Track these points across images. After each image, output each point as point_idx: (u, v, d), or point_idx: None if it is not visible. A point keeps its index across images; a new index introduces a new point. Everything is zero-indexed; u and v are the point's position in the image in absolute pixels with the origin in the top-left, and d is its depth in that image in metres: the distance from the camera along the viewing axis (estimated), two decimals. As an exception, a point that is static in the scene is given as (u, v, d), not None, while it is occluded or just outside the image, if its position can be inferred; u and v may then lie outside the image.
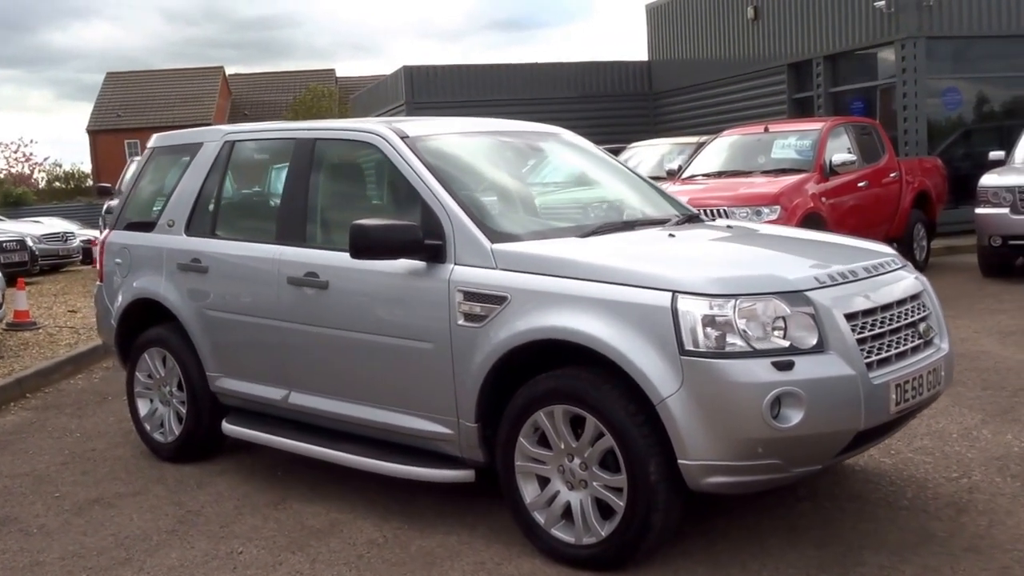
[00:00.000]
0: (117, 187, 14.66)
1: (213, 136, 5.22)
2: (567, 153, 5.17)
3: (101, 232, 13.99)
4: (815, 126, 10.73)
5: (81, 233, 20.20)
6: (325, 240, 4.56)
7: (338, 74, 57.42)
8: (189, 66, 56.24)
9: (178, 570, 3.85)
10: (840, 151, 10.29)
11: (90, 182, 49.23)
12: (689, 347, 3.26)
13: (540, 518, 3.71)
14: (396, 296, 4.10)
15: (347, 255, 4.18)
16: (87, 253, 19.04)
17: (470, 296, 3.82)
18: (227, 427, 4.91)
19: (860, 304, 3.49)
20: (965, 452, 4.74)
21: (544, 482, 3.72)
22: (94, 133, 51.91)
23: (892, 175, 11.36)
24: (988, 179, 10.47)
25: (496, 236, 3.91)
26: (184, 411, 5.11)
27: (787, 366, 3.22)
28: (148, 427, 5.33)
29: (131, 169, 15.05)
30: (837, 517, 4.01)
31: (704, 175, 10.69)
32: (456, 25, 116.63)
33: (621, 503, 3.46)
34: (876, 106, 16.04)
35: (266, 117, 43.17)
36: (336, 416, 4.44)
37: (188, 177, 5.20)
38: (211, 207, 5.12)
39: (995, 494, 4.16)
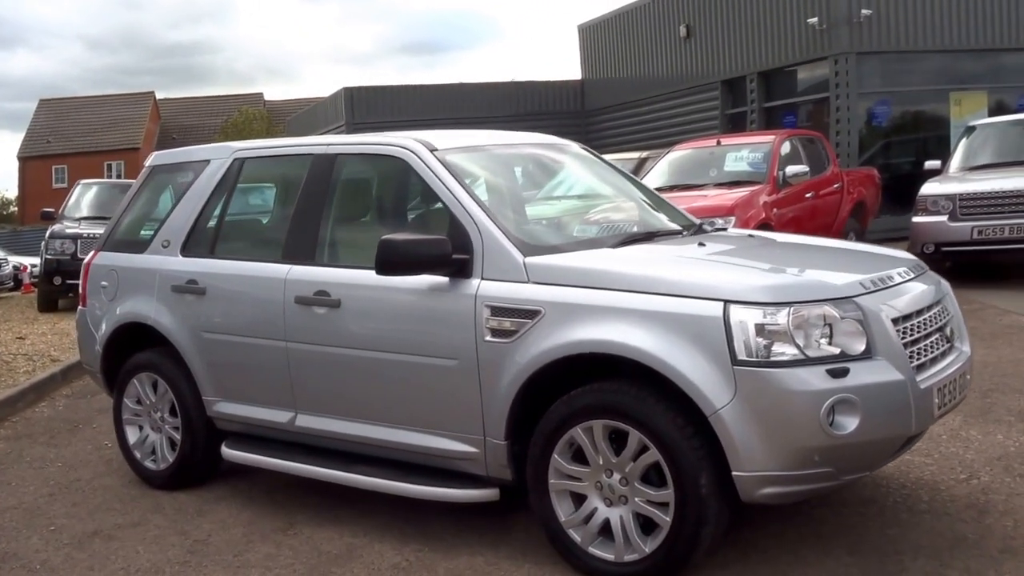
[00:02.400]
0: (60, 212, 14.18)
1: (221, 153, 5.03)
2: (582, 164, 5.14)
3: (41, 258, 13.52)
4: (766, 139, 10.95)
5: (13, 259, 19.78)
6: (338, 257, 4.44)
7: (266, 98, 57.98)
8: (120, 92, 57.20)
9: (199, 604, 3.68)
10: (791, 163, 10.52)
11: (13, 209, 49.52)
12: (742, 357, 3.23)
13: (577, 536, 3.64)
14: (416, 313, 3.99)
15: (359, 272, 4.10)
16: (16, 280, 18.72)
17: (498, 311, 3.73)
18: (227, 452, 4.72)
19: (901, 309, 3.52)
20: (963, 453, 4.83)
21: (579, 499, 3.66)
22: (24, 160, 51.90)
23: (835, 185, 11.68)
24: (929, 188, 10.75)
25: (528, 249, 3.84)
26: (178, 437, 4.90)
27: (842, 373, 3.23)
28: (138, 455, 5.10)
29: (75, 192, 14.58)
30: (860, 523, 4.04)
31: (657, 189, 10.76)
32: (367, 49, 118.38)
33: (667, 518, 3.41)
34: (808, 120, 16.49)
35: (195, 141, 44.53)
36: (348, 437, 4.31)
37: (191, 195, 5.00)
38: (212, 226, 4.92)
39: (1010, 494, 4.25)
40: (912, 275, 3.85)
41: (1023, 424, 5.26)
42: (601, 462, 3.56)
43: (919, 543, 3.79)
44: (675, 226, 4.59)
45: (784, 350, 3.24)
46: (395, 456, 4.18)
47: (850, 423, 3.22)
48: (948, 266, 10.31)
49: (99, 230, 11.37)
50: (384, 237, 3.81)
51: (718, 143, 11.26)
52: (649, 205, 4.90)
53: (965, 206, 10.22)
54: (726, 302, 3.29)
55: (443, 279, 3.89)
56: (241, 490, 4.94)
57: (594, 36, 22.34)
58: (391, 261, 3.80)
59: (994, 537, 3.81)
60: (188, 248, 4.91)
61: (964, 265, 10.63)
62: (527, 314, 3.66)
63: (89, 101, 55.22)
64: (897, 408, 3.33)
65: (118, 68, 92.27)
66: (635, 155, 14.22)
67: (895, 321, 3.45)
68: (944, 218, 10.34)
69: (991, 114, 15.07)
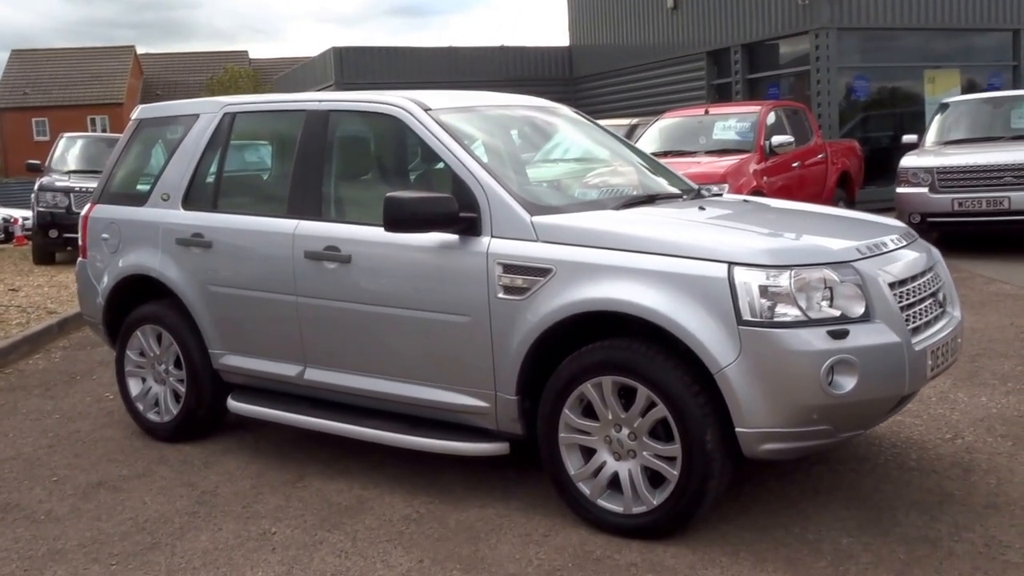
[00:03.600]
0: (47, 164, 14.00)
1: (211, 108, 5.04)
2: (576, 128, 5.19)
3: (33, 210, 13.39)
4: (753, 109, 11.06)
5: (3, 211, 19.55)
6: (347, 213, 4.48)
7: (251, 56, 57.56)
8: (98, 45, 56.32)
9: (214, 553, 3.74)
10: (776, 133, 10.64)
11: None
12: (747, 317, 3.33)
13: (586, 489, 3.75)
14: (427, 270, 4.05)
15: (369, 228, 4.16)
16: (8, 232, 18.53)
17: (510, 269, 3.81)
18: (234, 405, 4.77)
19: (897, 274, 3.63)
20: (949, 414, 5.01)
21: (588, 453, 3.76)
22: (1, 111, 50.83)
23: (820, 156, 11.84)
24: (908, 160, 10.97)
25: (534, 208, 3.91)
26: (182, 389, 4.94)
27: (842, 334, 3.33)
28: (141, 407, 5.14)
29: (60, 146, 14.39)
30: (855, 479, 4.19)
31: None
32: (354, 10, 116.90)
33: (674, 472, 3.53)
34: (790, 92, 16.61)
35: (179, 97, 43.57)
36: (358, 391, 4.37)
37: (184, 150, 5.01)
38: (211, 180, 4.94)
39: (992, 453, 4.42)
40: (904, 242, 3.96)
41: (1006, 387, 5.45)
42: (610, 417, 3.66)
43: (910, 499, 3.95)
44: (674, 190, 4.68)
45: (787, 311, 3.34)
46: (405, 410, 4.26)
47: (848, 383, 3.34)
48: (936, 237, 10.59)
49: (91, 184, 11.29)
50: (389, 194, 3.86)
51: (706, 112, 11.34)
52: (647, 169, 4.97)
53: (943, 179, 10.46)
54: (730, 264, 3.39)
55: (453, 237, 3.95)
56: (248, 443, 5.01)
57: (583, 4, 22.36)
58: (398, 218, 3.86)
59: (979, 494, 3.97)
60: (189, 202, 4.93)
61: (951, 235, 10.91)
62: (539, 272, 3.74)
63: (65, 53, 53.97)
64: (893, 369, 3.45)
65: (95, 20, 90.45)
66: (626, 121, 14.29)
67: (891, 286, 3.56)
68: (925, 190, 10.58)
69: (963, 92, 15.39)
